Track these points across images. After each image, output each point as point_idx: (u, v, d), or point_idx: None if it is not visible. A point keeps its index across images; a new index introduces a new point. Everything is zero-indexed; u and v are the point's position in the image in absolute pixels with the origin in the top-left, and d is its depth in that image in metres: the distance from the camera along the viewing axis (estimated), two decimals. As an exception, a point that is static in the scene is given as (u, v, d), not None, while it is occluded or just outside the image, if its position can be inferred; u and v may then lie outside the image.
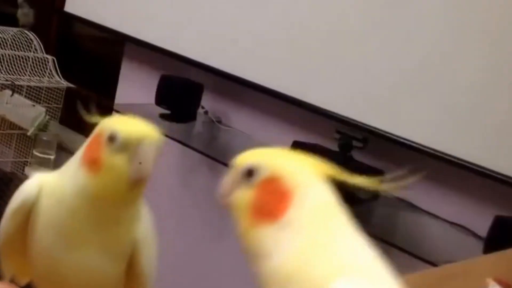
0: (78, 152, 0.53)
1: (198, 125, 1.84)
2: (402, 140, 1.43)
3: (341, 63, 1.56)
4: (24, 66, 2.21)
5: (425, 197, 1.49)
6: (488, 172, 1.35)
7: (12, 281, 0.55)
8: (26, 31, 2.26)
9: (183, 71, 1.84)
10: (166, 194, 1.92)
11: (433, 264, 1.19)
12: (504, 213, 1.34)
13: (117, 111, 1.76)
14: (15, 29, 2.27)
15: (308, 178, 0.45)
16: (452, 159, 1.38)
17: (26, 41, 2.25)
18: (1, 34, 2.23)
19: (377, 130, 1.47)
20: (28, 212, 0.52)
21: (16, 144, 2.26)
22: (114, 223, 0.51)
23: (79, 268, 0.51)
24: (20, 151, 2.26)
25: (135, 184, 0.50)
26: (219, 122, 1.82)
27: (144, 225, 0.54)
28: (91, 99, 2.39)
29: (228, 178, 0.48)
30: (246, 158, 0.47)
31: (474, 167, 1.36)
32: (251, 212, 0.45)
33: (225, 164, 1.65)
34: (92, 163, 0.50)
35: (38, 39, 2.25)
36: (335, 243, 0.43)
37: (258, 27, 1.70)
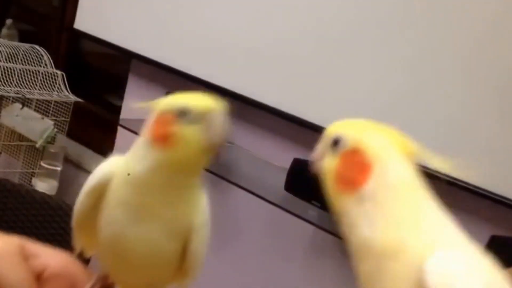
0: (139, 138, 0.54)
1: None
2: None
3: (342, 82, 1.59)
4: (34, 81, 2.24)
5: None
6: (484, 192, 1.37)
7: (81, 253, 0.58)
8: (37, 47, 2.31)
9: (187, 88, 1.87)
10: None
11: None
12: (499, 232, 1.37)
13: (122, 126, 1.80)
14: (27, 45, 2.31)
15: (389, 153, 0.47)
16: (448, 179, 1.40)
17: (37, 56, 2.29)
18: (14, 49, 2.28)
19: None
20: (101, 190, 0.54)
21: (24, 156, 2.29)
22: (178, 200, 0.53)
23: (141, 241, 0.54)
24: (28, 162, 2.29)
25: (210, 151, 0.52)
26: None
27: (202, 209, 0.56)
28: (97, 114, 2.41)
29: (320, 145, 0.50)
30: (335, 128, 0.49)
31: (470, 187, 1.38)
32: (335, 180, 0.47)
33: (228, 180, 1.68)
34: (164, 139, 0.52)
35: (48, 54, 2.30)
36: (422, 218, 0.44)
37: (262, 46, 1.73)
